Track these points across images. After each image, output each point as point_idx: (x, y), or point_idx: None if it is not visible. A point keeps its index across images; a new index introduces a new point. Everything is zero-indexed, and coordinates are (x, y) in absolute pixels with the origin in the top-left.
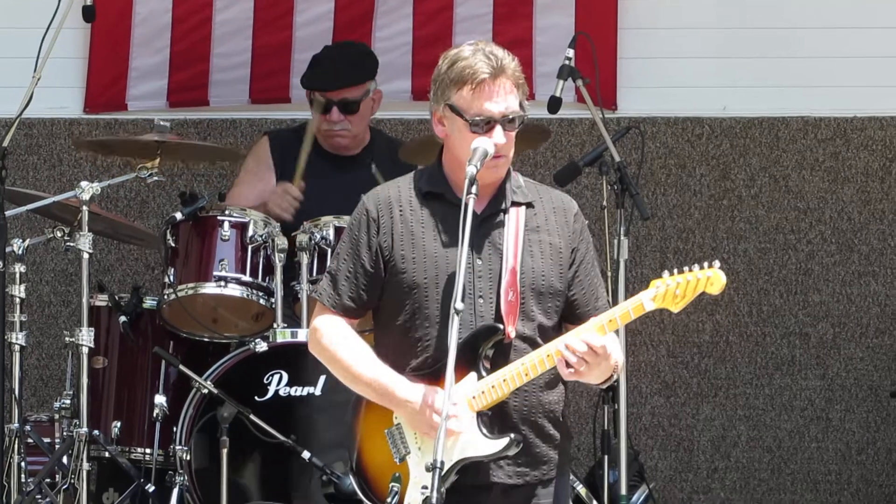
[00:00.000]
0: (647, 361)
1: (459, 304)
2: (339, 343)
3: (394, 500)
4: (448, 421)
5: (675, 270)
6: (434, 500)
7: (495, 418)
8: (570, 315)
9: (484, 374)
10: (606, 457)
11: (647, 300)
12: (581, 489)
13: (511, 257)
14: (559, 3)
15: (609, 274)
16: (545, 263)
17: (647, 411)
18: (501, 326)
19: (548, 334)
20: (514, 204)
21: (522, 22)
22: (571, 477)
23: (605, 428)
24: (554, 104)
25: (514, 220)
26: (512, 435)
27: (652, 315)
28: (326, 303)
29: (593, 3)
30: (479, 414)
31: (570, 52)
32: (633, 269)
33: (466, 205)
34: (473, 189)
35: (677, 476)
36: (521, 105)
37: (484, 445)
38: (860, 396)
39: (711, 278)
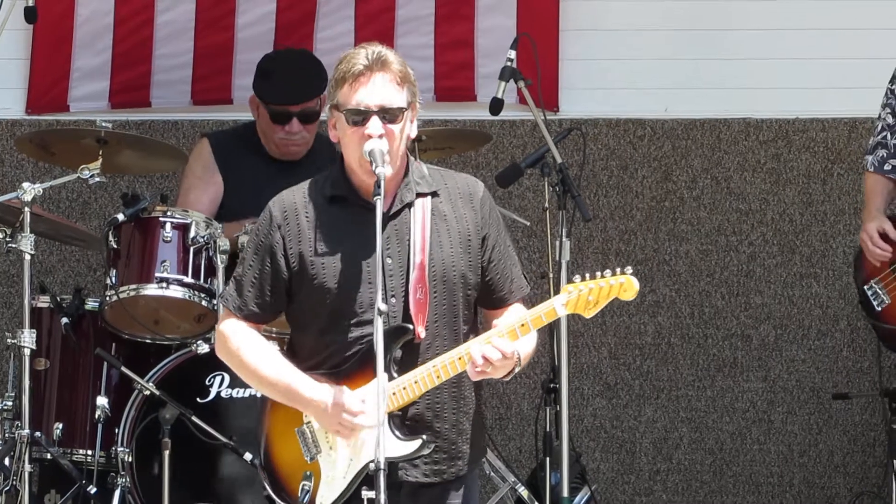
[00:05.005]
0: (590, 363)
1: (383, 306)
2: (245, 346)
3: (305, 499)
4: (356, 418)
5: (587, 276)
6: (382, 502)
7: (406, 418)
8: (486, 300)
9: (394, 375)
10: (548, 459)
11: (560, 306)
12: (523, 491)
13: (419, 252)
14: (501, 5)
15: (551, 276)
16: (455, 254)
17: (589, 413)
18: (411, 327)
19: (466, 325)
20: (419, 195)
21: (464, 23)
22: (513, 479)
23: (547, 430)
24: (496, 106)
25: (420, 212)
26: (424, 436)
27: (593, 317)
28: (231, 308)
29: (535, 4)
30: (391, 415)
31: (512, 54)
32: (576, 271)
33: (376, 206)
34: (381, 190)
35: (619, 478)
36: (411, 102)
37: (396, 446)
38: (802, 398)
39: (624, 284)
